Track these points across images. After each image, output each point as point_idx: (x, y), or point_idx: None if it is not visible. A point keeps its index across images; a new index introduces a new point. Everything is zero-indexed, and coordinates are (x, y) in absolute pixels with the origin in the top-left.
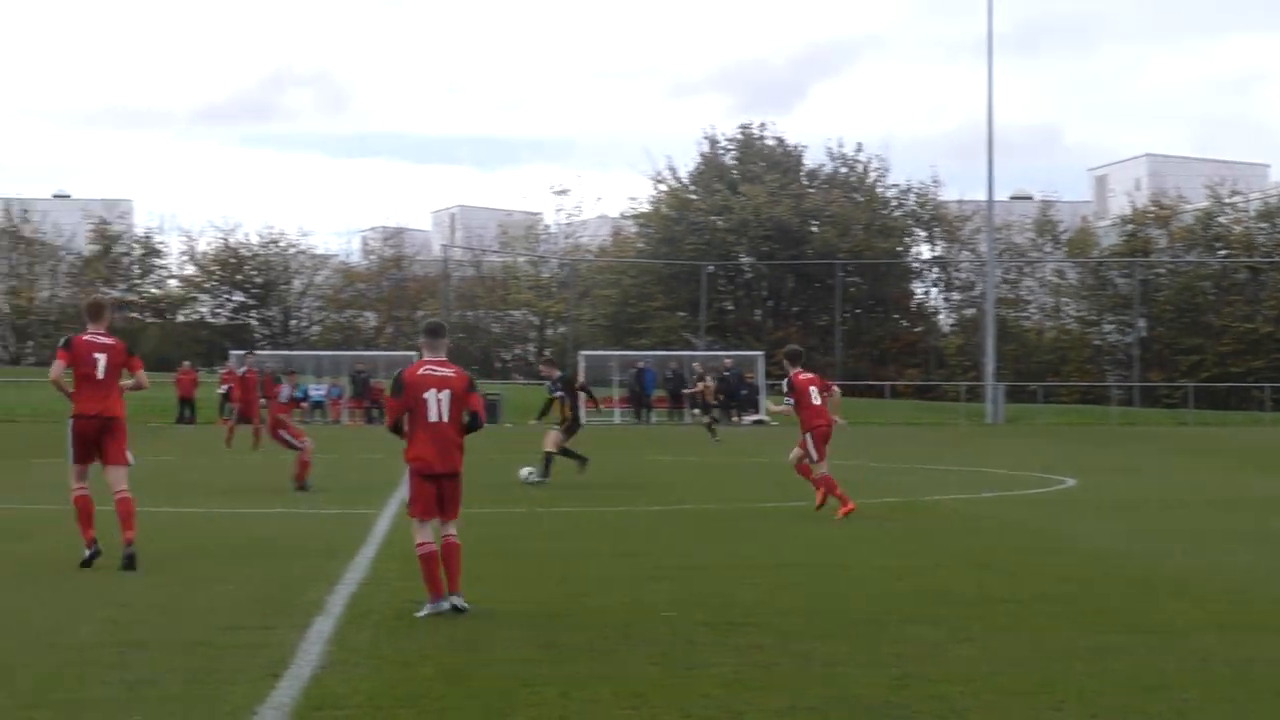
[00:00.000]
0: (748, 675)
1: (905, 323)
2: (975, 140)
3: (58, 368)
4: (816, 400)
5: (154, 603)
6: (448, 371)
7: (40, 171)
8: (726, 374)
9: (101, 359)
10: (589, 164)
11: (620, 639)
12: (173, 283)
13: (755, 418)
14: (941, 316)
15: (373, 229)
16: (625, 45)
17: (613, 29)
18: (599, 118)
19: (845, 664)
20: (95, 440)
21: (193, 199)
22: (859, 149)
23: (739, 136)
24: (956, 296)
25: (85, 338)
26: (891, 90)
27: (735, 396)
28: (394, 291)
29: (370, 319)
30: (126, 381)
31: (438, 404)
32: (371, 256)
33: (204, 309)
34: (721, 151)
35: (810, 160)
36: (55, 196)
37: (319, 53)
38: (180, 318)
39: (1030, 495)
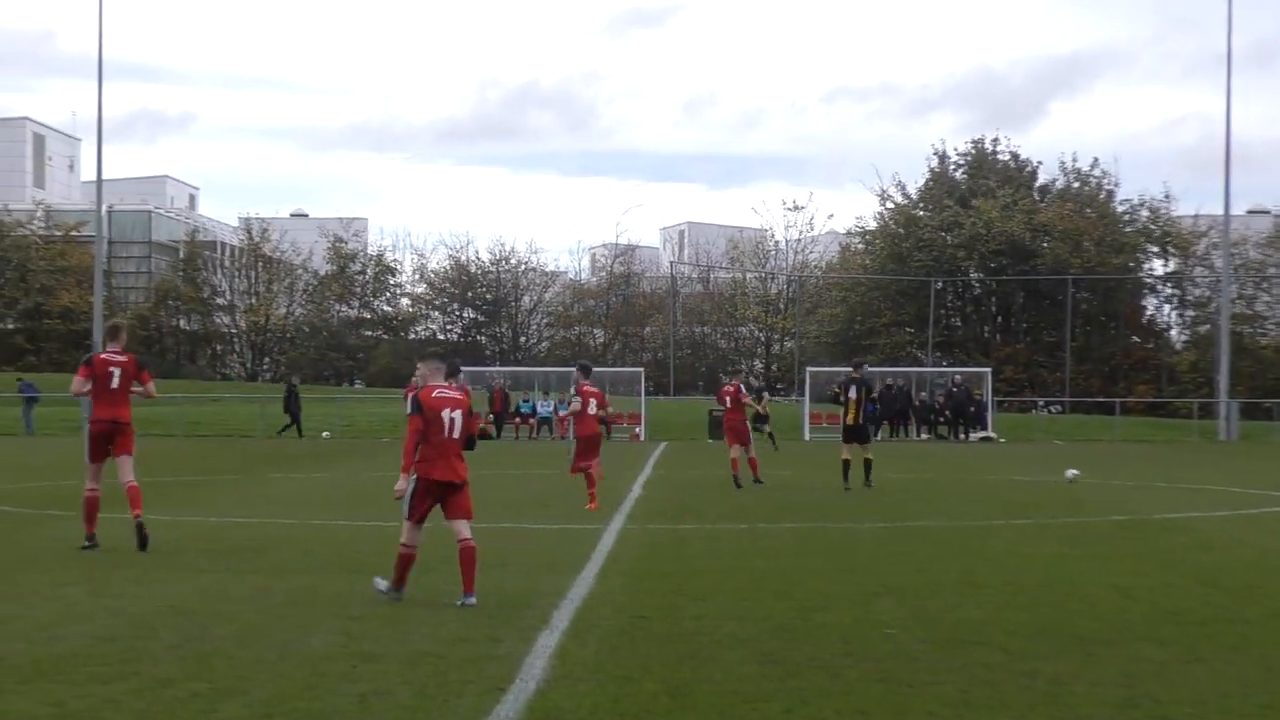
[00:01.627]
0: (973, 694)
1: (1136, 339)
2: (1212, 155)
3: (78, 382)
4: (592, 410)
5: (384, 615)
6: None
7: (281, 192)
8: (955, 389)
9: (116, 372)
10: (821, 182)
11: (844, 655)
12: (404, 300)
13: (983, 434)
14: (1174, 333)
15: (603, 246)
16: (861, 62)
17: (849, 46)
18: (833, 135)
19: (1072, 683)
20: (108, 440)
21: (427, 217)
22: (1094, 164)
23: (971, 151)
24: (1190, 313)
25: (103, 355)
26: (1129, 106)
27: (963, 412)
28: (622, 307)
29: (598, 335)
30: (137, 389)
31: (450, 422)
32: (601, 273)
33: (434, 326)
34: (953, 167)
35: (1043, 176)
36: (293, 215)
37: (562, 72)
38: (411, 335)
39: (1263, 514)
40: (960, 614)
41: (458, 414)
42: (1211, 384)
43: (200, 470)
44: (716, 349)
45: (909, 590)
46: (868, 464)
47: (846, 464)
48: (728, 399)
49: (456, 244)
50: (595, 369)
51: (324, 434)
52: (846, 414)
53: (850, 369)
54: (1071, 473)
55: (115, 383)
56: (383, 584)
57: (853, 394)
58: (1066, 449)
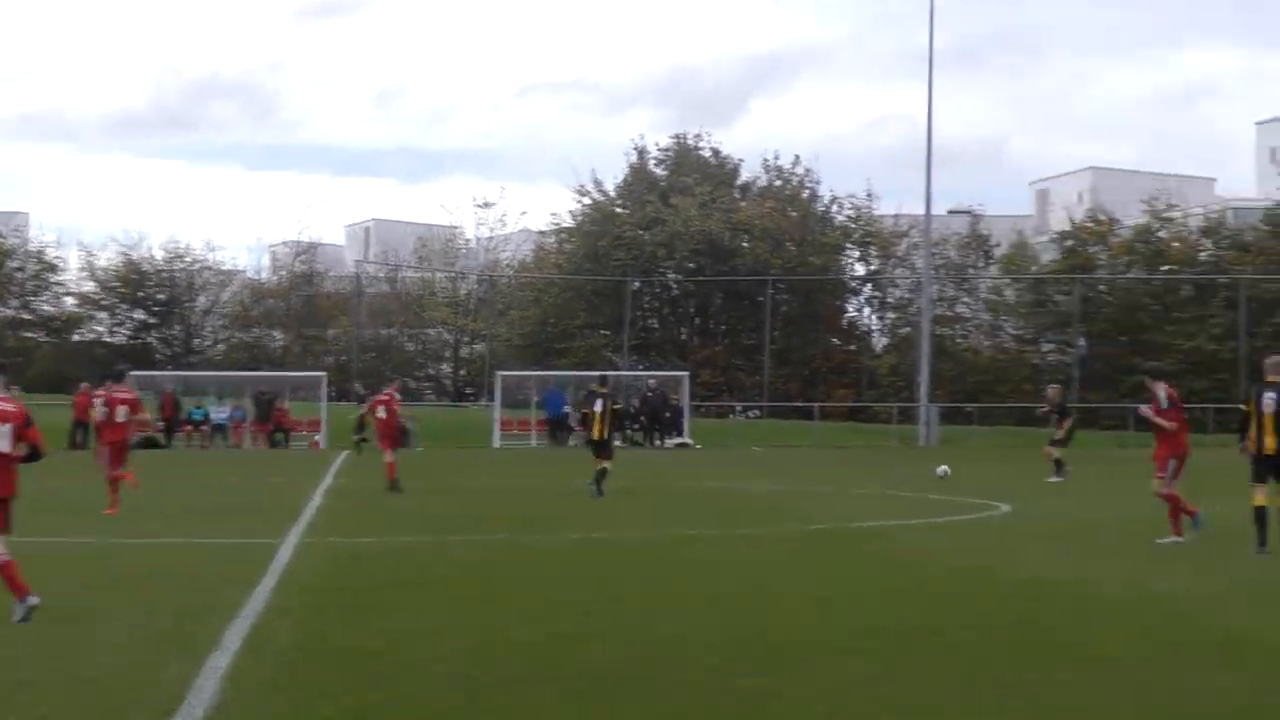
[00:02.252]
0: (670, 711)
1: (837, 341)
2: (913, 154)
3: None
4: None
5: (43, 639)
6: (9, 406)
7: None
8: (650, 394)
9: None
10: (515, 177)
11: (536, 673)
12: (69, 299)
13: (679, 440)
14: (875, 335)
15: (284, 243)
16: (556, 57)
17: (544, 40)
18: (528, 130)
19: (772, 700)
20: None
21: (98, 213)
22: (796, 161)
23: (673, 147)
24: (891, 315)
25: None
26: (832, 104)
27: (659, 418)
28: (303, 308)
29: (278, 337)
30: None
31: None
32: (281, 272)
33: (101, 327)
34: (654, 162)
35: (745, 173)
36: None
37: (245, 62)
38: (76, 337)
39: (963, 521)
40: (657, 628)
41: (6, 428)
42: (912, 387)
43: None
44: (404, 352)
45: (604, 603)
46: (603, 473)
47: (603, 473)
48: (380, 407)
49: (129, 241)
50: (270, 373)
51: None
52: (593, 428)
53: (596, 384)
54: (942, 469)
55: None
56: (18, 609)
57: (598, 407)
58: (764, 455)
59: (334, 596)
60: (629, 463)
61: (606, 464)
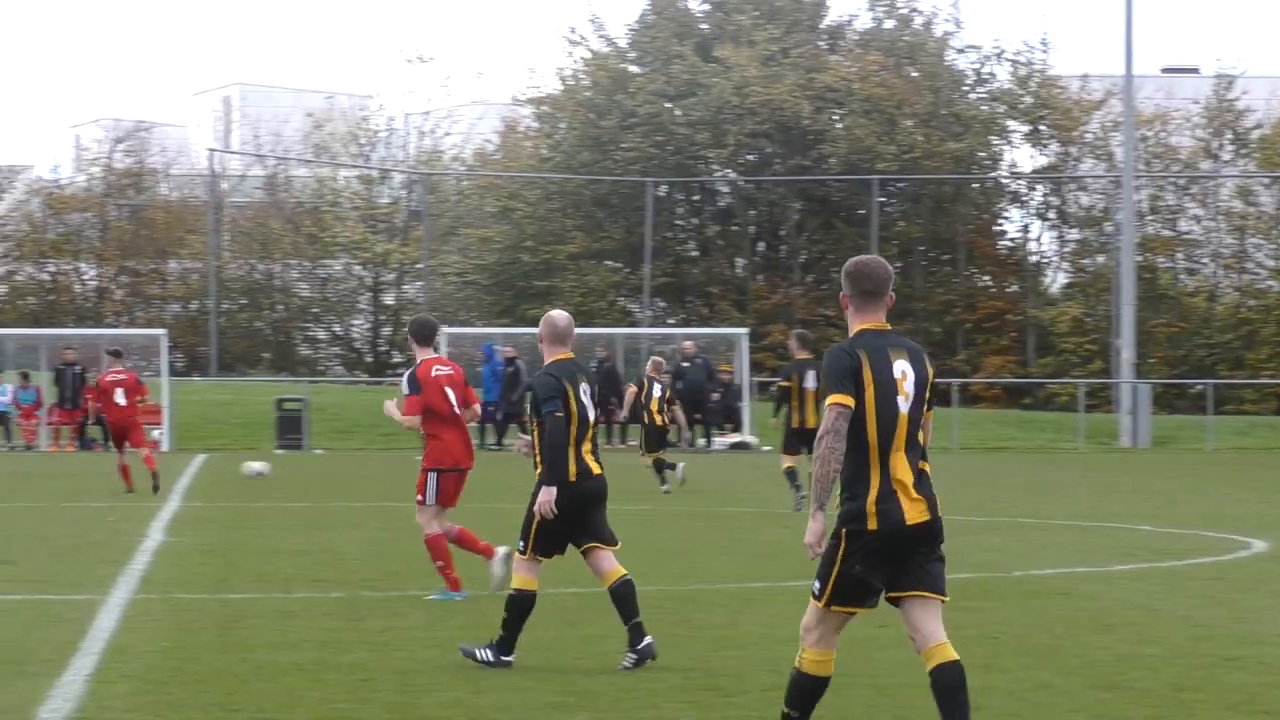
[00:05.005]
0: None
1: (987, 279)
2: None
3: None
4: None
5: None
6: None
7: None
8: (686, 365)
9: None
10: (461, 24)
11: None
12: None
13: (734, 437)
14: (1049, 269)
15: (97, 123)
16: None
17: None
18: None
19: None
20: None
21: None
22: None
23: None
24: (1074, 236)
25: None
26: None
27: (700, 402)
28: (130, 228)
29: (89, 274)
30: None
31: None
32: (93, 170)
33: None
34: None
35: (838, 11)
36: None
37: None
38: None
39: (1197, 566)
40: None
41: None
42: (1108, 353)
43: None
44: (292, 296)
45: None
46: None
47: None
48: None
49: None
50: (81, 330)
51: (249, 466)
52: (802, 408)
53: (795, 342)
54: (254, 467)
55: None
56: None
57: (810, 383)
58: None
59: (187, 690)
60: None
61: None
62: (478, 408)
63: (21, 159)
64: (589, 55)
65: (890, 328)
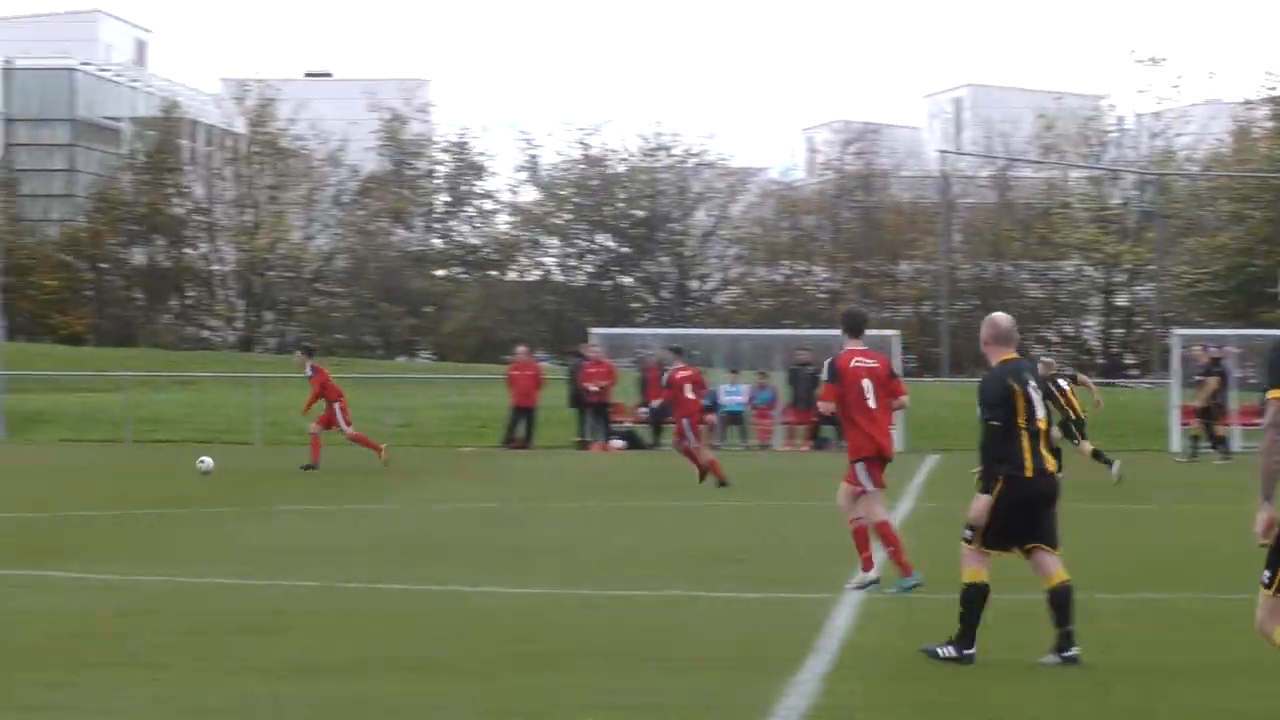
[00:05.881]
0: None
1: None
2: None
3: None
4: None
5: None
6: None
7: (284, 40)
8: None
9: None
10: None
11: None
12: (500, 219)
13: None
14: None
15: (827, 125)
16: None
17: None
18: None
19: None
20: None
21: (531, 81)
22: None
23: None
24: None
25: None
26: None
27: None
28: (861, 230)
29: (822, 276)
30: None
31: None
32: (825, 173)
33: (550, 260)
34: None
35: None
36: (310, 77)
37: None
38: (512, 275)
39: None
40: None
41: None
42: None
43: (161, 498)
44: (1024, 298)
45: None
46: None
47: None
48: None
49: (584, 127)
50: (821, 330)
51: (201, 460)
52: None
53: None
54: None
55: None
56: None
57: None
58: None
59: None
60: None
61: None
62: (905, 399)
63: (755, 162)
64: None
65: None
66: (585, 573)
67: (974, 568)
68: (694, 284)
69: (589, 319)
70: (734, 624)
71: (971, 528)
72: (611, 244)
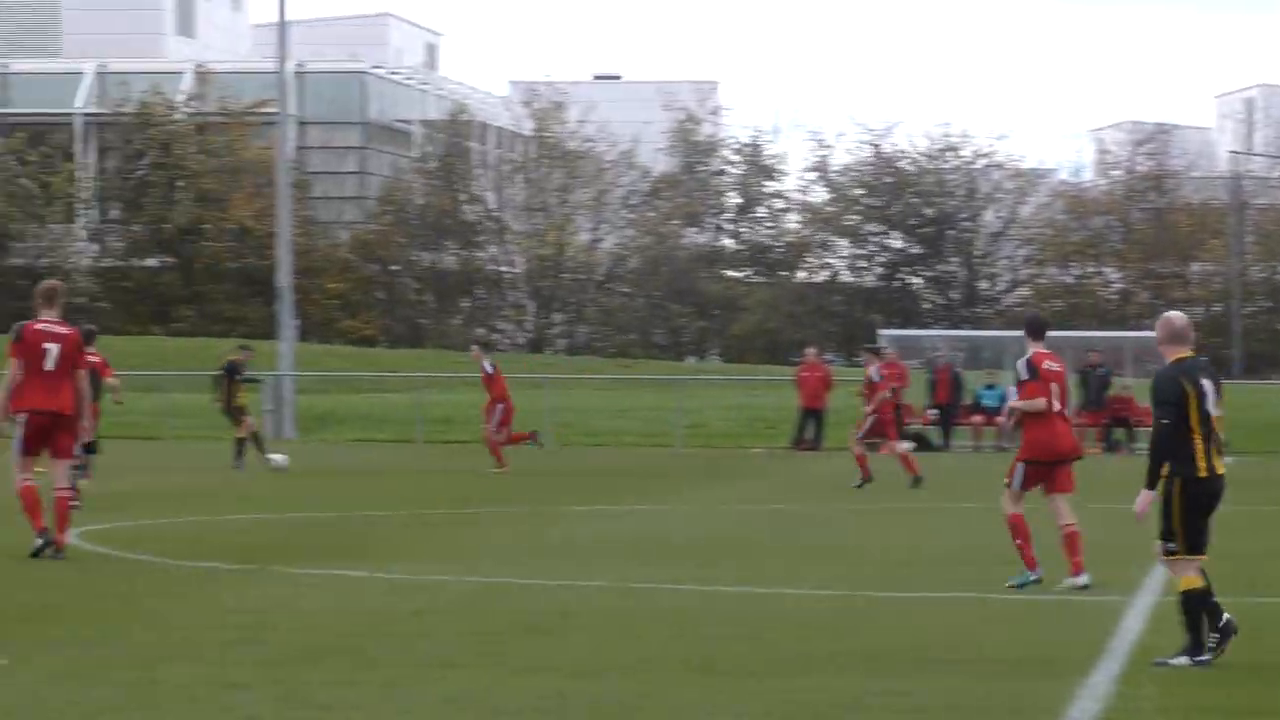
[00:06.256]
0: None
1: None
2: None
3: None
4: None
5: None
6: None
7: (570, 44)
8: None
9: (53, 350)
10: None
11: None
12: (791, 218)
13: None
14: None
15: (1117, 126)
16: None
17: None
18: None
19: None
20: (46, 436)
21: (818, 77)
22: None
23: None
24: None
25: (37, 326)
26: None
27: None
28: (1153, 231)
29: (1112, 276)
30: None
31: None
32: (1114, 173)
33: (837, 261)
34: None
35: None
36: (599, 79)
37: None
38: (801, 275)
39: None
40: None
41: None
42: None
43: (451, 498)
44: None
45: None
46: None
47: None
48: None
49: (874, 127)
50: (1113, 332)
51: (273, 458)
52: None
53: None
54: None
55: (51, 363)
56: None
57: None
58: None
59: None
60: None
61: None
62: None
63: (1044, 163)
64: None
65: None
66: (872, 574)
67: (1188, 575)
68: (983, 285)
69: (878, 319)
70: (1023, 625)
71: (1171, 539)
72: (901, 244)
